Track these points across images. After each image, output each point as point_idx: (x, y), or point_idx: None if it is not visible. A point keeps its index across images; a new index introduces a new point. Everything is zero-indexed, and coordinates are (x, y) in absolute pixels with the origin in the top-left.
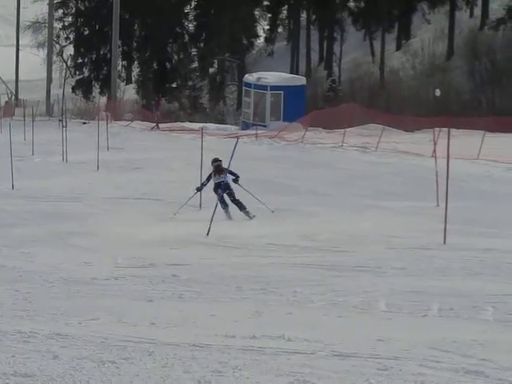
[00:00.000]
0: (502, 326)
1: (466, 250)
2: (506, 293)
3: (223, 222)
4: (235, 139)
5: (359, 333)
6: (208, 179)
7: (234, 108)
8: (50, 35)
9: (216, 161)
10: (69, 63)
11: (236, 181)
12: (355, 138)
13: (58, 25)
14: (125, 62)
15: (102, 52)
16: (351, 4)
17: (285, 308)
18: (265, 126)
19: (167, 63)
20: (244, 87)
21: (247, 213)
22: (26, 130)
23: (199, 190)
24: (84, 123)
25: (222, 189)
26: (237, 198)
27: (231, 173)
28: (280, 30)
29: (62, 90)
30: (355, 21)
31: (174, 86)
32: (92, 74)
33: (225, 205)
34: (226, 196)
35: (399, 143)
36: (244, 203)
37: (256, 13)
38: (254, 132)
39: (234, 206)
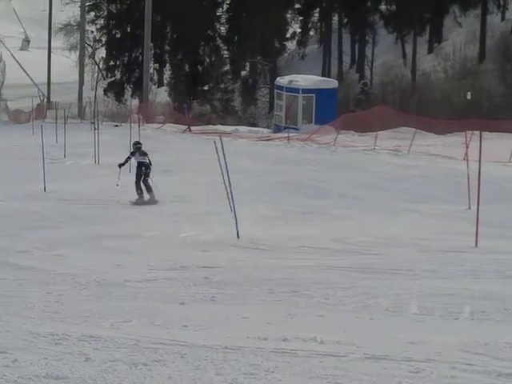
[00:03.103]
0: None
1: (497, 252)
2: None
3: (255, 225)
4: (266, 142)
5: (391, 335)
6: (129, 157)
7: (265, 111)
8: (82, 38)
9: (137, 143)
10: (101, 66)
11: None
12: (387, 141)
13: (90, 27)
14: (157, 65)
15: (133, 54)
16: (383, 7)
17: (317, 310)
18: (297, 129)
19: (199, 66)
20: (276, 90)
21: (153, 197)
22: (57, 132)
23: (121, 166)
24: (116, 126)
25: (144, 166)
26: (149, 181)
27: (149, 159)
28: (312, 33)
29: (93, 92)
30: (387, 24)
31: (205, 88)
32: (124, 76)
33: (140, 190)
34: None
35: (431, 146)
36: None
37: (288, 16)
38: (285, 135)
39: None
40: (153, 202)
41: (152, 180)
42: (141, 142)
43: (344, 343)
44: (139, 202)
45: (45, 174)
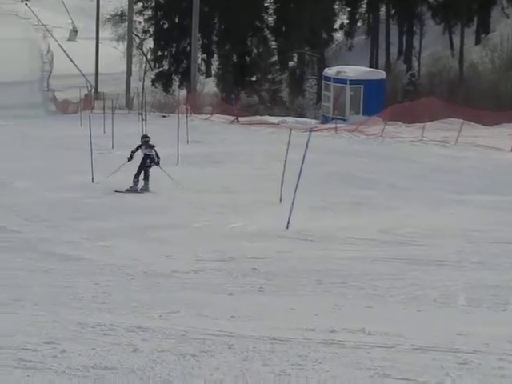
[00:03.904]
0: None
1: None
2: None
3: (303, 216)
4: (314, 133)
5: (438, 327)
6: (137, 149)
7: (313, 102)
8: (129, 28)
9: (145, 137)
10: (148, 56)
11: (157, 163)
12: (434, 132)
13: (137, 18)
14: (204, 56)
15: (181, 45)
16: None
17: (364, 301)
18: (344, 120)
19: (247, 56)
20: (323, 81)
21: (146, 184)
22: (105, 123)
23: (130, 159)
24: (163, 116)
25: (149, 159)
26: (149, 172)
27: (156, 153)
28: (359, 23)
29: (141, 83)
30: (434, 15)
31: (253, 79)
32: (172, 67)
33: (137, 180)
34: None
35: (478, 137)
36: None
37: (335, 7)
38: (333, 126)
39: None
40: (145, 189)
41: (164, 171)
42: (149, 135)
43: (392, 334)
44: (131, 189)
45: (93, 165)
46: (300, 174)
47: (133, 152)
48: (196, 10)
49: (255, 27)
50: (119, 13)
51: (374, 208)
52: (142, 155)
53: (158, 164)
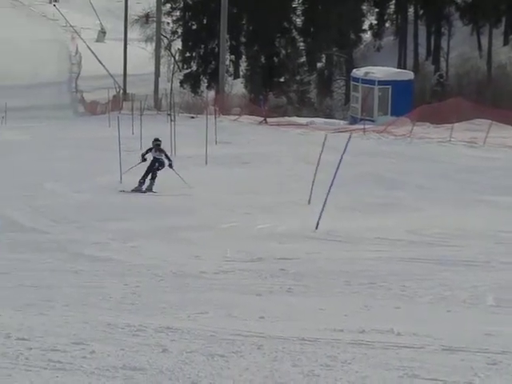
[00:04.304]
0: None
1: None
2: None
3: (331, 217)
4: (343, 134)
5: (467, 327)
6: (147, 152)
7: (341, 102)
8: (158, 29)
9: (156, 140)
10: (177, 57)
11: (170, 166)
12: (462, 133)
13: (166, 19)
14: (233, 57)
15: (209, 46)
16: None
17: (393, 302)
18: (372, 121)
19: (275, 57)
20: (352, 82)
21: (152, 187)
22: (134, 124)
23: (143, 160)
24: (192, 117)
25: (158, 163)
26: (157, 174)
27: (166, 156)
28: (387, 24)
29: (169, 84)
30: (462, 15)
31: (281, 80)
32: (200, 68)
33: (143, 181)
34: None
35: (507, 138)
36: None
37: (363, 7)
38: (361, 127)
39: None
40: (149, 189)
41: (179, 175)
42: (160, 139)
43: (421, 335)
44: (136, 190)
45: (121, 166)
46: (335, 174)
47: (143, 155)
48: (224, 11)
49: (283, 28)
50: (147, 14)
51: (402, 209)
52: (152, 158)
53: (171, 166)
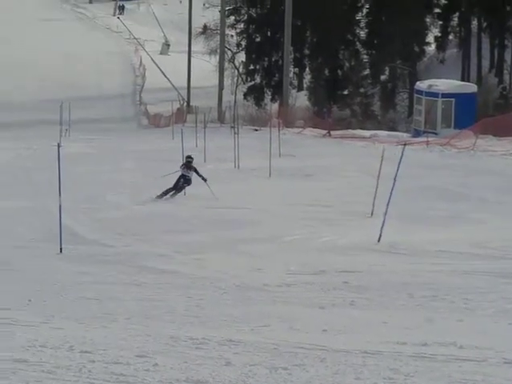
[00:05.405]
0: None
1: None
2: None
3: (394, 229)
4: (406, 147)
5: None
6: (181, 166)
7: (405, 115)
8: (222, 42)
9: (188, 157)
10: (240, 70)
11: (204, 180)
12: None
13: (229, 31)
14: (296, 69)
15: (273, 58)
16: None
17: (456, 315)
18: (436, 134)
19: (339, 70)
20: (415, 94)
21: (175, 194)
22: (197, 136)
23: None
24: (255, 130)
25: (184, 180)
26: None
27: (197, 173)
28: (451, 37)
29: (233, 96)
30: None
31: (345, 93)
32: (264, 80)
33: (165, 194)
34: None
35: None
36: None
37: (427, 20)
38: (424, 139)
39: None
40: (170, 197)
41: (210, 189)
42: (192, 156)
43: (483, 348)
44: (158, 197)
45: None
46: (393, 186)
47: (180, 166)
48: (288, 24)
49: (347, 40)
50: (204, 25)
51: (465, 221)
52: (180, 174)
53: (205, 180)
